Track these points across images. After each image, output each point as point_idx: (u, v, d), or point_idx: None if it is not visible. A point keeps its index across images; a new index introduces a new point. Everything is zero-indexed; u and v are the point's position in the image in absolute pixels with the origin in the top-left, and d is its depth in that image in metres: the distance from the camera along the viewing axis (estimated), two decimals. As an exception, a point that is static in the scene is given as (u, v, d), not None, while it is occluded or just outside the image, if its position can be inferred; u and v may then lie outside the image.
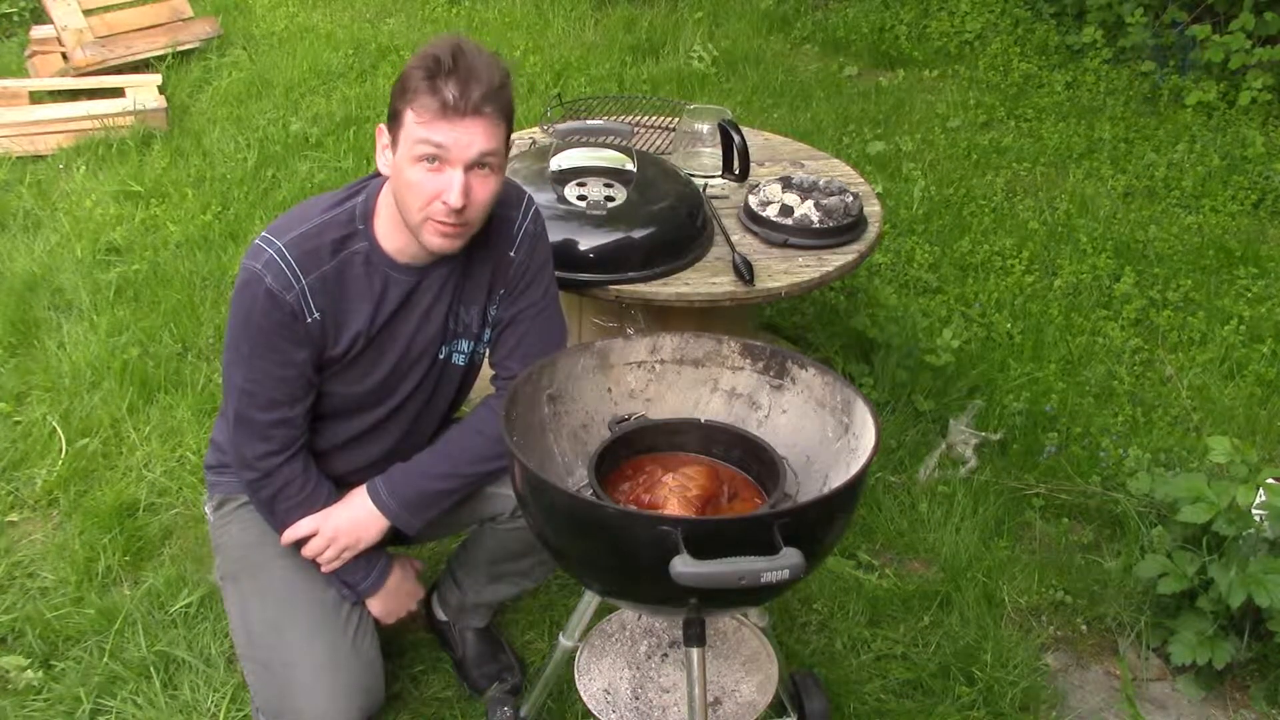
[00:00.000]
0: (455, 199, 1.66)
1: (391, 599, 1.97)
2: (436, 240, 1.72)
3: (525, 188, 2.40)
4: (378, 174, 1.80)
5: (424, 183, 1.66)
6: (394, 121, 1.69)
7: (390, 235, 1.78)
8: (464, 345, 1.93)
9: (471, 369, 1.99)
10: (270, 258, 1.72)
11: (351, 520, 1.87)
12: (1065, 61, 5.55)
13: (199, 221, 3.80)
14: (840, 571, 2.50)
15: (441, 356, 1.91)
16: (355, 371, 1.84)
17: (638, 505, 1.62)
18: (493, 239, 1.85)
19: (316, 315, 1.75)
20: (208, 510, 2.05)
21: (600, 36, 5.77)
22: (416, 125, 1.64)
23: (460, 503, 1.94)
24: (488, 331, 1.94)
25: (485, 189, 1.71)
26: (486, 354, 2.00)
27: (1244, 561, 2.20)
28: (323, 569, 1.88)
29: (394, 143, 1.70)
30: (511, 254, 1.89)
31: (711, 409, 1.79)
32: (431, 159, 1.65)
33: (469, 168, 1.66)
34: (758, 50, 5.62)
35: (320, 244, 1.75)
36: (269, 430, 1.80)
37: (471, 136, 1.65)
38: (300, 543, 1.88)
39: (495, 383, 1.99)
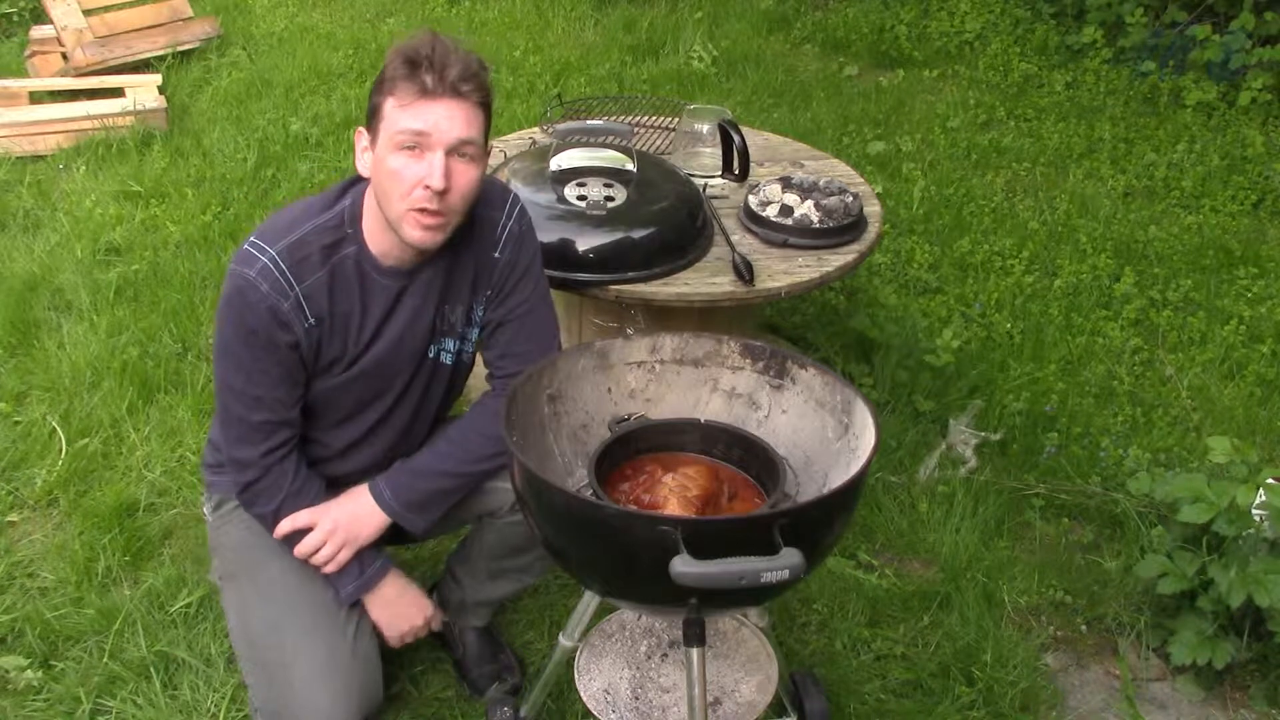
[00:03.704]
0: (437, 181, 1.66)
1: (392, 608, 1.94)
2: (417, 233, 1.71)
3: (525, 188, 2.43)
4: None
5: (404, 170, 1.67)
6: (373, 118, 1.70)
7: (376, 238, 1.78)
8: (450, 344, 1.93)
9: (460, 368, 1.99)
10: (264, 265, 1.72)
11: (351, 515, 1.87)
12: (1065, 61, 5.55)
13: (199, 221, 3.80)
14: (840, 571, 2.50)
15: (431, 356, 1.92)
16: (348, 375, 1.85)
17: (638, 505, 1.62)
18: (476, 238, 1.86)
19: (311, 321, 1.76)
20: (206, 510, 2.05)
21: (600, 36, 5.77)
22: (396, 109, 1.65)
23: (459, 498, 1.94)
24: (473, 330, 1.95)
25: (465, 177, 1.71)
26: (476, 353, 2.00)
27: (1244, 561, 2.20)
28: (322, 569, 1.87)
29: (373, 139, 1.71)
30: (496, 254, 1.89)
31: (711, 409, 1.79)
32: (412, 145, 1.66)
33: (449, 152, 1.67)
34: (758, 50, 5.62)
35: (311, 251, 1.75)
36: (266, 431, 1.81)
37: (452, 119, 1.66)
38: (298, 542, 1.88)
39: (490, 381, 1.99)
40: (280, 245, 1.74)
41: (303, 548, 1.86)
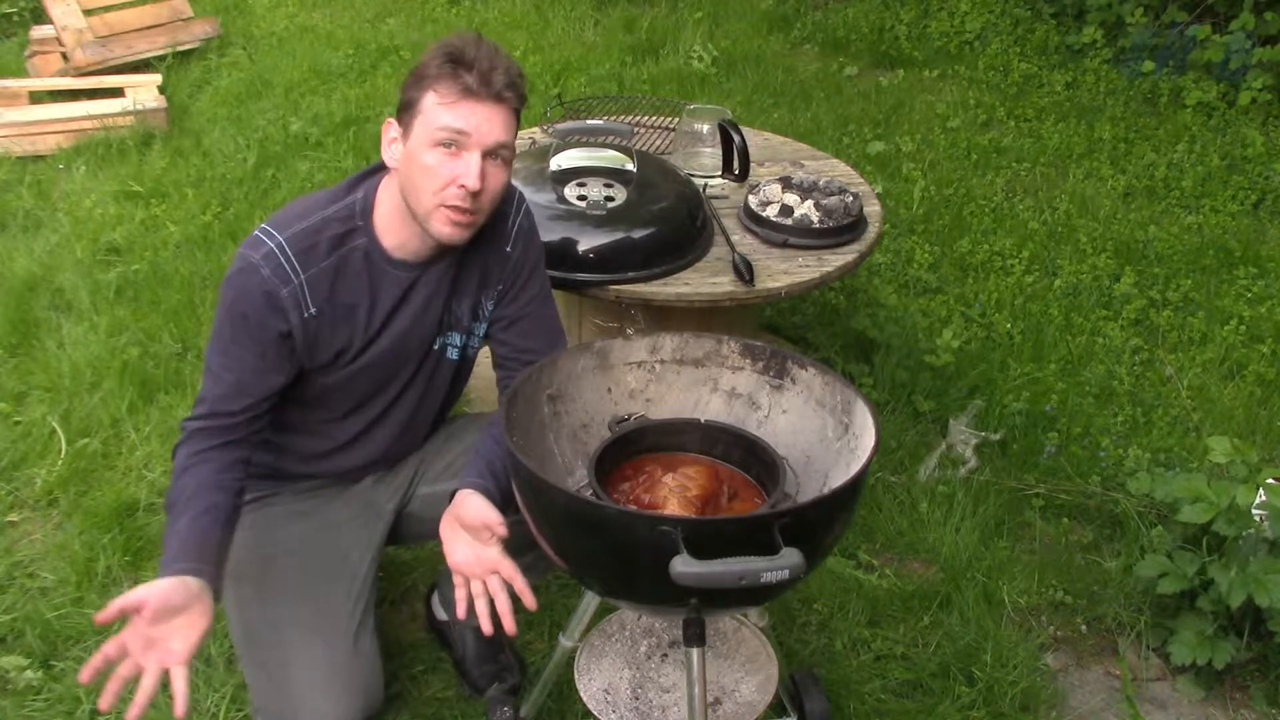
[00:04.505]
0: (473, 182, 1.67)
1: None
2: (446, 230, 1.72)
3: (525, 188, 2.43)
4: (376, 169, 1.81)
5: (440, 167, 1.67)
6: (407, 111, 1.70)
7: (390, 231, 1.79)
8: (456, 339, 1.93)
9: (464, 363, 1.99)
10: (270, 250, 1.72)
11: (477, 515, 1.73)
12: (1065, 61, 5.55)
13: (199, 221, 3.80)
14: (840, 571, 2.50)
15: (436, 349, 1.92)
16: (356, 366, 1.85)
17: (638, 505, 1.62)
18: (487, 234, 1.86)
19: (313, 310, 1.76)
20: (206, 510, 2.04)
21: (600, 36, 5.77)
22: (438, 107, 1.65)
23: None
24: (480, 326, 1.95)
25: (497, 179, 1.72)
26: (479, 349, 2.01)
27: (1244, 561, 2.20)
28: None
29: (406, 132, 1.71)
30: (508, 249, 1.90)
31: (711, 409, 1.79)
32: (449, 144, 1.66)
33: (485, 154, 1.68)
34: (758, 50, 5.62)
35: (319, 240, 1.75)
36: (229, 417, 1.75)
37: (492, 122, 1.67)
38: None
39: (501, 374, 1.99)
40: (288, 232, 1.74)
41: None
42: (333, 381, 1.86)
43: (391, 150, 1.75)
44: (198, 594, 1.58)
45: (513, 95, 1.69)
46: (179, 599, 1.56)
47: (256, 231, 1.76)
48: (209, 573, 1.62)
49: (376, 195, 1.80)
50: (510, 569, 1.69)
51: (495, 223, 1.87)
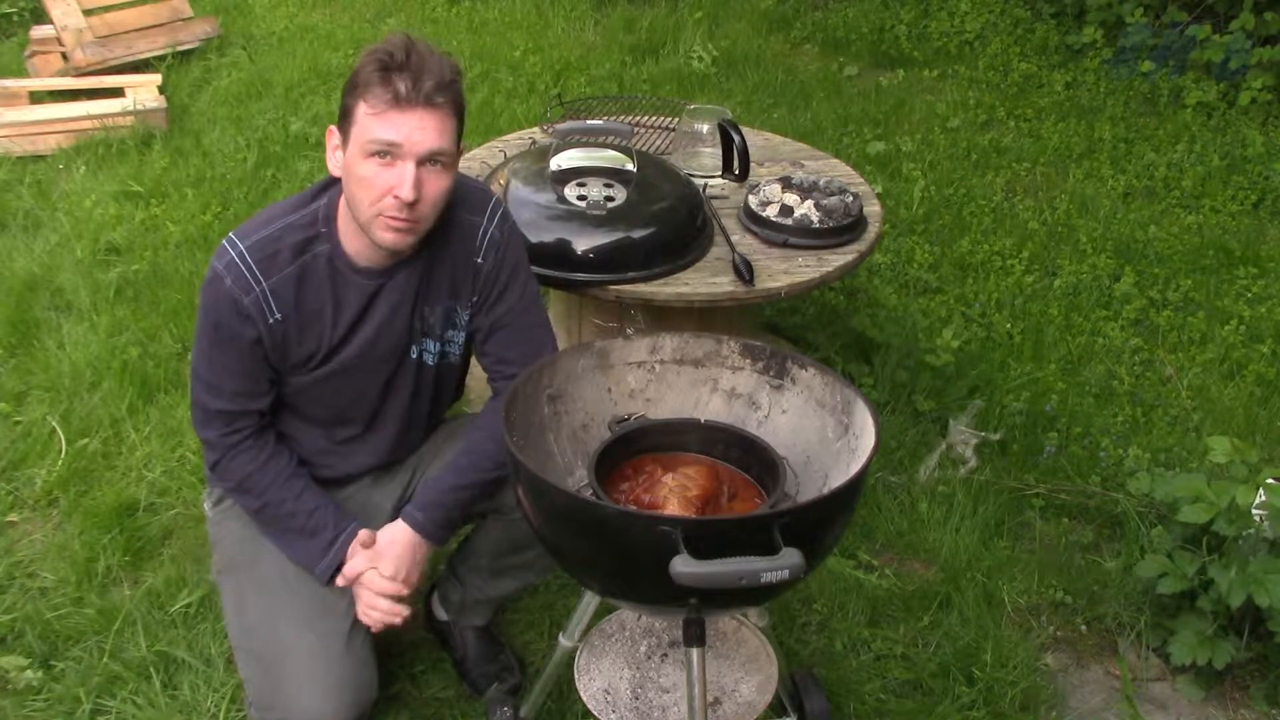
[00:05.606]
0: (408, 192, 1.65)
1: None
2: (388, 236, 1.71)
3: (525, 188, 2.43)
4: None
5: (375, 178, 1.66)
6: (345, 120, 1.69)
7: (351, 238, 1.79)
8: (431, 346, 1.92)
9: (445, 370, 1.98)
10: (232, 260, 1.74)
11: (404, 551, 1.88)
12: (1065, 61, 5.55)
13: (199, 221, 3.80)
14: (840, 571, 2.50)
15: (413, 357, 1.92)
16: (325, 371, 1.85)
17: (638, 505, 1.62)
18: (454, 242, 1.85)
19: (278, 316, 1.77)
20: (206, 506, 2.05)
21: (600, 36, 5.77)
22: (369, 117, 1.64)
23: None
24: (456, 334, 1.94)
25: (436, 186, 1.70)
26: (466, 357, 2.01)
27: (1244, 561, 2.20)
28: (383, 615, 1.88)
29: (345, 141, 1.70)
30: (478, 260, 1.88)
31: (711, 409, 1.79)
32: (383, 154, 1.65)
33: (420, 162, 1.66)
34: (758, 50, 5.62)
35: (281, 247, 1.76)
36: (225, 419, 1.84)
37: (425, 129, 1.65)
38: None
39: (491, 386, 1.99)
40: (250, 240, 1.76)
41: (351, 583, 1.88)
42: (308, 385, 1.86)
43: (334, 158, 1.75)
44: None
45: (446, 99, 1.66)
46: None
47: (224, 240, 1.78)
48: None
49: (339, 201, 1.79)
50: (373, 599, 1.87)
51: (465, 231, 1.86)
